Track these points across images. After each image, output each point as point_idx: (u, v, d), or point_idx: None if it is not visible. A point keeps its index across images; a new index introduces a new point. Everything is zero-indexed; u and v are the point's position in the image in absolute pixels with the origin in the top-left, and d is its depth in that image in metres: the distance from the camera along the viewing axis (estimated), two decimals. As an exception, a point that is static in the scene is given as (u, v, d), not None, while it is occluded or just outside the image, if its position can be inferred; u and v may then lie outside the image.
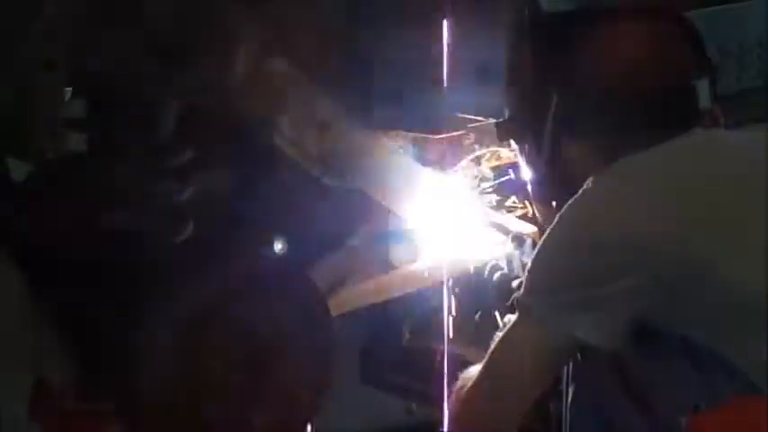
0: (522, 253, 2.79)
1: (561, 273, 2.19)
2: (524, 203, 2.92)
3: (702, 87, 2.28)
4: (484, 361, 2.31)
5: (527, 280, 2.24)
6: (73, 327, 2.61)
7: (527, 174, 2.44)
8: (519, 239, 2.82)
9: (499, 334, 2.36)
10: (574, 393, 2.32)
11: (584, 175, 2.26)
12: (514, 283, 2.68)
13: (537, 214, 2.49)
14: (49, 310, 2.57)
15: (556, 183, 2.35)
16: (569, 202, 2.22)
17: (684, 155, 2.22)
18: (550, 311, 2.17)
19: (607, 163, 2.23)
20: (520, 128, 2.40)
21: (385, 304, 3.20)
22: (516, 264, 2.80)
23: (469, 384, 2.32)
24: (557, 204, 2.30)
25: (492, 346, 2.32)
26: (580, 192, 2.21)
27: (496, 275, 2.76)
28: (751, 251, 2.11)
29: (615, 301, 2.13)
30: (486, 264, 2.84)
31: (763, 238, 2.10)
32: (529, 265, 2.27)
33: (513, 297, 2.32)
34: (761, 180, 2.17)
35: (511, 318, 2.33)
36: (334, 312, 2.77)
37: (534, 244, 2.66)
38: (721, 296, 2.10)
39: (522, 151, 2.43)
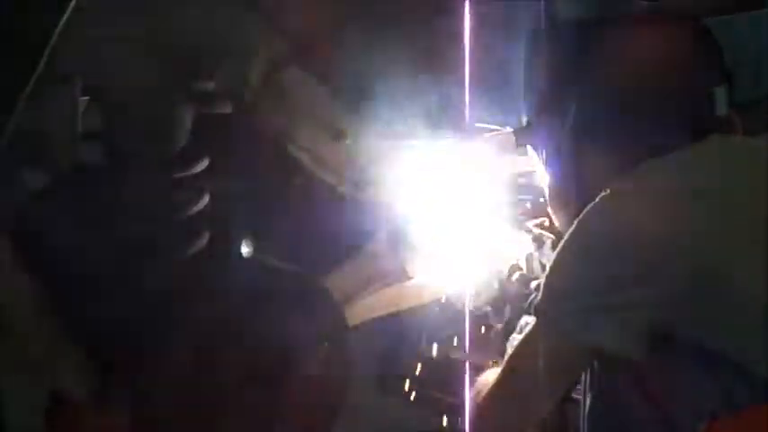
0: (542, 254, 2.79)
1: (579, 279, 2.19)
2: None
3: (719, 94, 2.27)
4: (502, 366, 2.30)
5: (545, 286, 2.24)
6: (90, 339, 2.62)
7: (544, 180, 2.43)
8: (539, 240, 2.82)
9: (517, 337, 2.35)
10: (591, 401, 2.31)
11: (602, 181, 2.26)
12: (533, 284, 2.68)
13: (554, 220, 2.49)
14: (66, 323, 2.58)
15: (573, 189, 2.34)
16: (587, 208, 2.21)
17: (701, 162, 2.21)
18: (568, 317, 2.17)
19: (624, 169, 2.23)
20: (537, 134, 2.40)
21: (403, 314, 3.20)
22: (535, 264, 2.79)
23: (487, 389, 2.31)
24: (574, 210, 2.30)
25: (510, 351, 2.31)
26: (597, 199, 2.21)
27: (515, 276, 2.76)
28: (752, 257, 2.10)
29: (632, 307, 2.12)
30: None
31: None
32: (547, 270, 2.27)
33: (530, 299, 2.31)
34: None
35: (528, 320, 2.32)
36: (351, 322, 2.78)
37: (553, 245, 2.65)
38: (738, 304, 2.09)
39: (539, 158, 2.43)
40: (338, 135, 2.68)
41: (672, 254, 2.10)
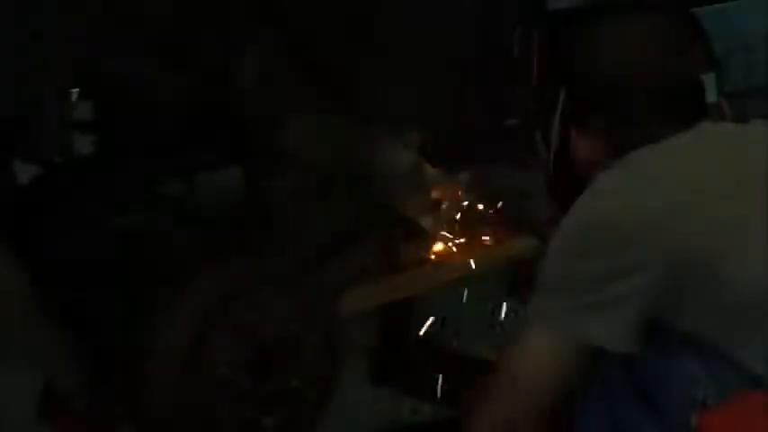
0: None
1: (572, 274, 2.15)
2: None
3: (709, 81, 2.26)
4: (500, 364, 2.28)
5: (539, 281, 2.22)
6: (83, 329, 2.62)
7: (538, 171, 2.42)
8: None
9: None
10: (582, 393, 2.30)
11: (592, 169, 2.26)
12: None
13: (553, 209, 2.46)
14: (59, 313, 2.58)
15: (565, 180, 2.34)
16: (577, 201, 2.21)
17: (690, 151, 2.19)
18: (563, 314, 2.14)
19: (613, 157, 2.23)
20: (528, 126, 2.39)
21: (395, 304, 3.20)
22: None
23: (486, 392, 2.28)
24: (567, 200, 2.29)
25: (507, 350, 2.28)
26: (587, 190, 2.21)
27: None
28: (759, 249, 2.09)
29: (626, 300, 2.11)
30: None
31: (761, 234, 2.08)
32: (542, 266, 2.23)
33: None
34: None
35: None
36: (344, 312, 2.78)
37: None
38: (727, 294, 2.07)
39: (531, 149, 2.42)
40: (332, 125, 2.68)
41: (662, 245, 2.09)
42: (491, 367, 2.36)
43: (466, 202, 3.00)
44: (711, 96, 2.26)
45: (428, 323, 3.35)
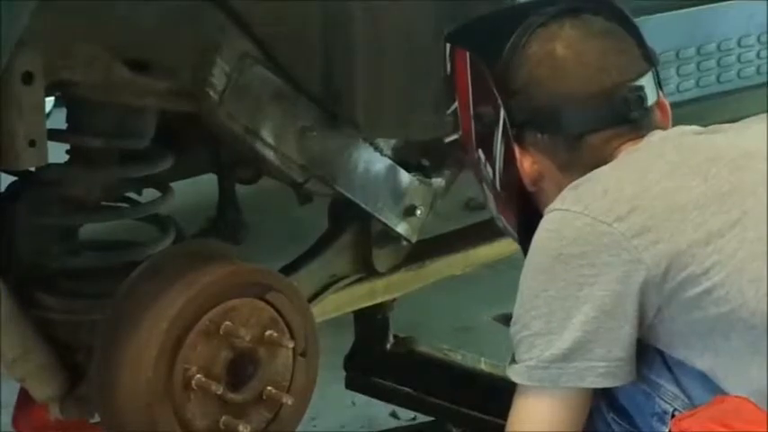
0: None
1: (554, 319, 2.07)
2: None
3: (648, 81, 2.20)
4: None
5: (518, 334, 2.12)
6: (57, 338, 2.61)
7: (485, 190, 2.36)
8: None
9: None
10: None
11: (542, 186, 2.23)
12: None
13: (506, 230, 2.41)
14: (33, 321, 2.57)
15: (516, 196, 2.28)
16: (541, 228, 2.12)
17: (647, 164, 2.12)
18: (556, 369, 2.08)
19: (563, 172, 2.20)
20: (470, 144, 2.31)
21: (370, 309, 3.20)
22: None
23: None
24: (520, 218, 2.26)
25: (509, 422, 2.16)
26: (549, 215, 2.12)
27: None
28: (739, 260, 2.03)
29: (616, 327, 2.06)
30: None
31: (735, 246, 2.05)
32: (514, 320, 2.14)
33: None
34: (728, 185, 2.10)
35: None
36: (318, 318, 2.77)
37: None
38: (706, 309, 2.03)
39: (477, 167, 2.34)
40: (305, 131, 2.67)
41: (639, 262, 2.03)
42: (467, 372, 2.36)
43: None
44: (652, 97, 2.21)
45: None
